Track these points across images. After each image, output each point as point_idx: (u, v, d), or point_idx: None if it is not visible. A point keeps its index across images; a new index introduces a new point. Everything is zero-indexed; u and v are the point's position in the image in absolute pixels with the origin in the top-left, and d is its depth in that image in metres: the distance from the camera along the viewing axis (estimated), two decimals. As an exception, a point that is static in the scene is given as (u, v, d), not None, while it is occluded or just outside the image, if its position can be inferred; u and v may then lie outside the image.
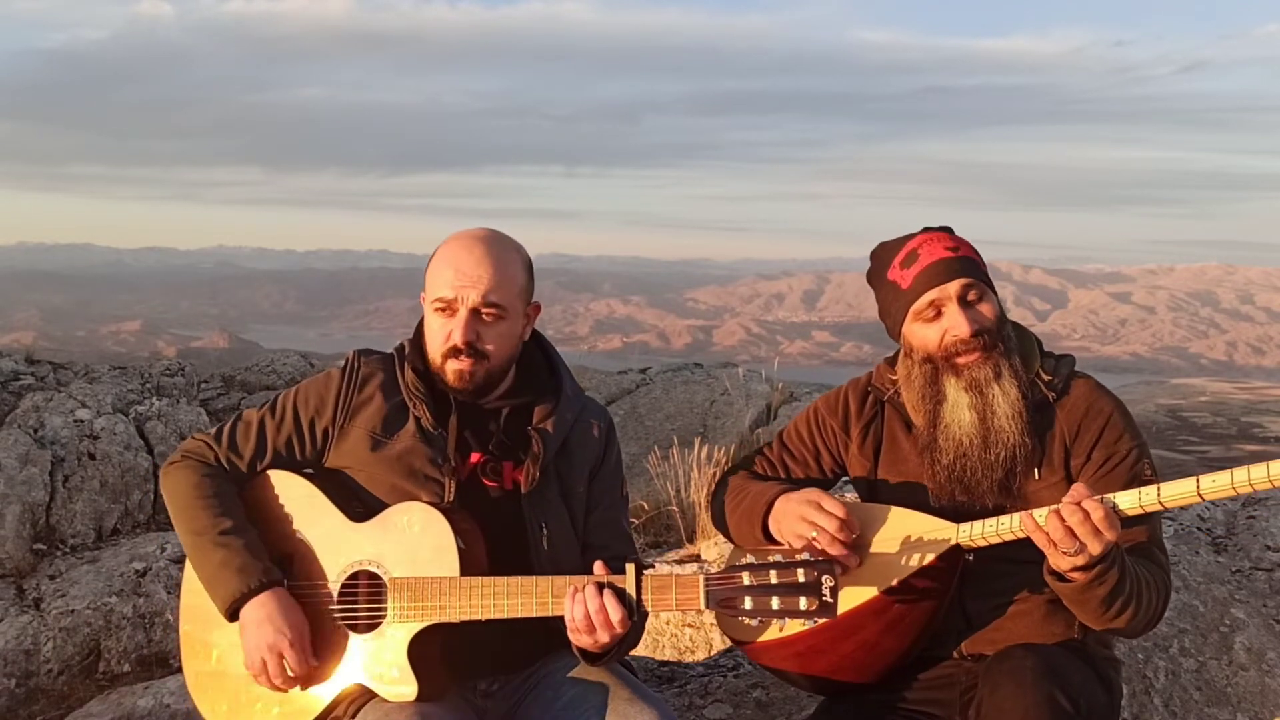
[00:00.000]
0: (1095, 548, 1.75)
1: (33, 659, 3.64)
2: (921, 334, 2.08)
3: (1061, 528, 1.75)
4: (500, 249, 2.07)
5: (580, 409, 2.19)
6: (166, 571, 4.00)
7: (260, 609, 1.94)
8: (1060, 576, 1.84)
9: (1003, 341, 2.06)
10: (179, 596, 2.15)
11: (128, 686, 3.46)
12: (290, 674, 1.94)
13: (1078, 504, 1.75)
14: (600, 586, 1.83)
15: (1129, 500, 1.79)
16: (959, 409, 2.04)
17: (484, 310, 2.02)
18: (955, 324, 2.03)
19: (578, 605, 1.83)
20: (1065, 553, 1.77)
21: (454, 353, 2.03)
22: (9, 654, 3.60)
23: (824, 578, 1.73)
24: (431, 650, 1.93)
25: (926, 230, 2.12)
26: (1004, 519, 1.92)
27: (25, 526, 4.28)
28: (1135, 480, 2.00)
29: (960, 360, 2.03)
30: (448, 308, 2.03)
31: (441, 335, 2.04)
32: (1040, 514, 1.80)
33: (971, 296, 2.05)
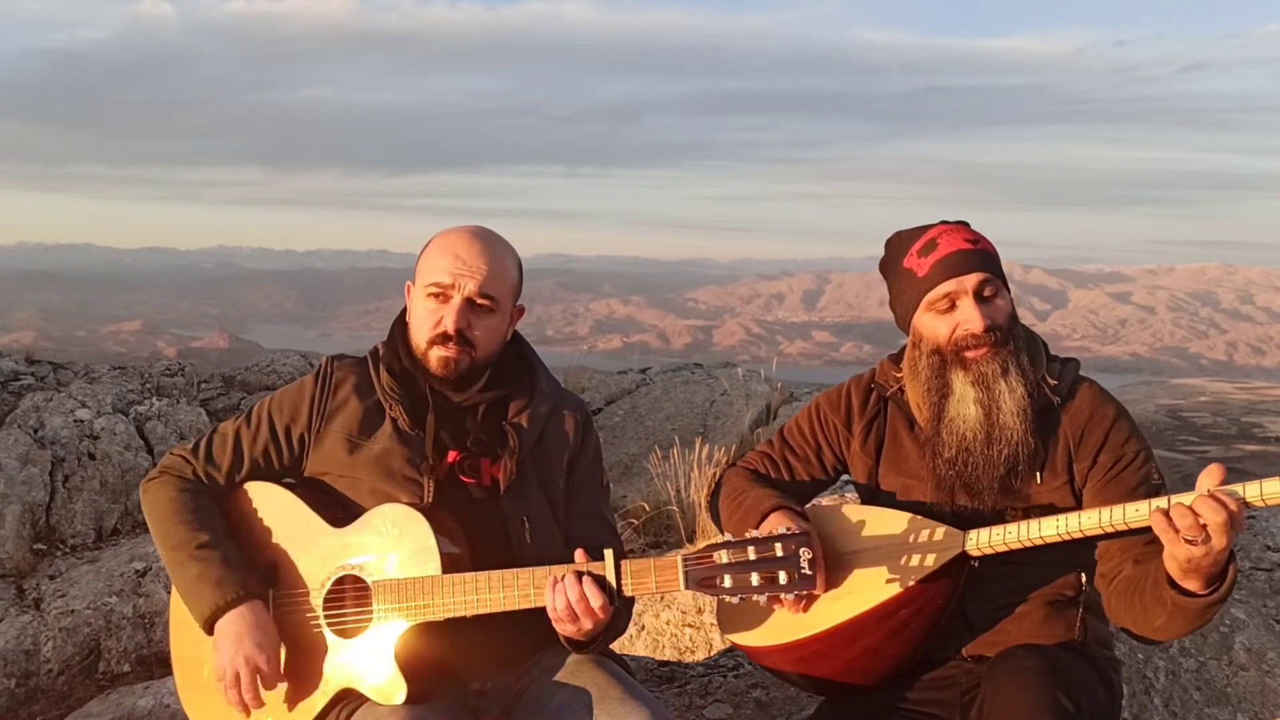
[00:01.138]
0: (1220, 541, 1.69)
1: (33, 659, 3.64)
2: (932, 325, 2.06)
3: (1195, 524, 1.70)
4: (497, 245, 2.09)
5: (556, 402, 2.19)
6: (166, 572, 4.00)
7: (235, 623, 1.93)
8: (1183, 591, 1.80)
9: (1013, 339, 2.04)
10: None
11: (128, 686, 3.46)
12: (257, 693, 1.92)
13: (1214, 498, 1.69)
14: (580, 575, 1.83)
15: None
16: (964, 403, 2.02)
17: (478, 300, 2.03)
18: (968, 318, 2.01)
19: (558, 595, 1.83)
20: (1189, 541, 1.71)
21: (442, 339, 2.03)
22: (9, 654, 3.60)
23: (801, 550, 1.71)
24: (420, 651, 1.93)
25: (944, 223, 2.10)
26: (1011, 527, 1.91)
27: (25, 526, 4.27)
28: (1145, 483, 1.99)
29: (969, 354, 2.01)
30: (442, 294, 2.04)
31: (431, 321, 2.04)
32: (1159, 502, 1.75)
33: (988, 292, 2.02)
